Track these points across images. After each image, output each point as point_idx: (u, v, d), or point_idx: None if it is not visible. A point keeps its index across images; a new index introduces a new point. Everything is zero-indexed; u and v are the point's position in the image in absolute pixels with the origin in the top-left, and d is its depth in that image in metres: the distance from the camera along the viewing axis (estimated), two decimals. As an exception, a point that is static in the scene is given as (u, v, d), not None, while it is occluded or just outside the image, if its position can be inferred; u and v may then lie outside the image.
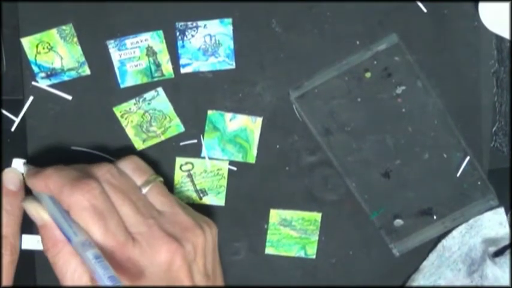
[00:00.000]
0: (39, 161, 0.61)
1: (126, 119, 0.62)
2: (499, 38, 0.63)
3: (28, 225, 0.60)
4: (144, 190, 0.57)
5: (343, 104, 0.62)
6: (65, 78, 0.61)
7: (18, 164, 0.59)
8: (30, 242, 0.62)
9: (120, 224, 0.54)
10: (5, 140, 0.61)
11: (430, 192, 0.63)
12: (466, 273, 0.64)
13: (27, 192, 0.58)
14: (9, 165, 0.60)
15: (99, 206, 0.54)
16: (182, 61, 0.62)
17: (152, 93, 0.62)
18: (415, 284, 0.64)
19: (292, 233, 0.64)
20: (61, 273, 0.55)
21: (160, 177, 0.59)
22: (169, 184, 0.62)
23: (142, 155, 0.62)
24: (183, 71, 0.62)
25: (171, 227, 0.56)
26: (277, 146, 0.63)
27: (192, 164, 0.63)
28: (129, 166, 0.58)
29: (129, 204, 0.55)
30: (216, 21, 0.61)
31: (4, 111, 0.61)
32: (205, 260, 0.57)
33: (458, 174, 0.63)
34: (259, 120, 0.63)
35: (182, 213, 0.57)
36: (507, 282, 0.62)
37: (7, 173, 0.59)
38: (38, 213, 0.55)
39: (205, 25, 0.61)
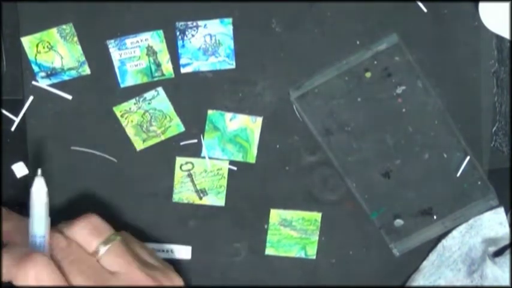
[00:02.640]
0: (39, 161, 0.61)
1: (126, 118, 0.62)
2: (499, 38, 0.63)
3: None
4: (102, 250, 0.56)
5: (343, 104, 0.62)
6: (65, 77, 0.61)
7: (18, 169, 0.59)
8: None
9: None
10: (5, 140, 0.61)
11: (430, 192, 0.63)
12: (466, 273, 0.64)
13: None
14: (9, 166, 0.60)
15: (45, 280, 0.53)
16: (182, 61, 0.62)
17: (152, 92, 0.62)
18: (415, 284, 0.64)
19: (292, 233, 0.64)
20: None
21: (119, 235, 0.57)
22: (169, 184, 0.62)
23: (143, 154, 0.62)
24: (183, 70, 0.62)
25: None
26: (277, 146, 0.63)
27: (192, 163, 0.63)
28: (86, 227, 0.56)
29: (78, 273, 0.54)
30: (216, 21, 0.61)
31: (4, 111, 0.61)
32: None
33: (458, 174, 0.63)
34: (259, 120, 0.63)
35: (138, 272, 0.56)
36: (507, 282, 0.62)
37: None
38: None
39: (205, 25, 0.61)
